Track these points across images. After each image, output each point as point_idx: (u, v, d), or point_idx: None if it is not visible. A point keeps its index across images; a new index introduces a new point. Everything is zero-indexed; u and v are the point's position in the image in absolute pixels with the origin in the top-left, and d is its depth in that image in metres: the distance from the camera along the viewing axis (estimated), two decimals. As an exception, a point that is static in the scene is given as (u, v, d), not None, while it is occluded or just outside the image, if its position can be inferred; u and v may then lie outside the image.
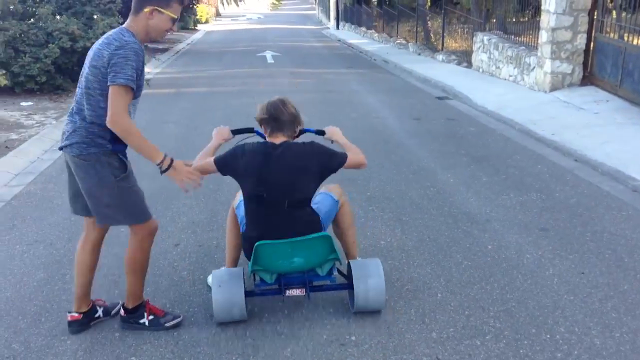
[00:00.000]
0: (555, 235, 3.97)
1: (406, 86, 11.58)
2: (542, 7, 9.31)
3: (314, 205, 2.88)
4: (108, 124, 2.47)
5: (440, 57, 15.15)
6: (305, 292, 2.85)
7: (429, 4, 22.03)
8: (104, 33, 10.55)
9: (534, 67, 9.73)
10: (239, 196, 3.02)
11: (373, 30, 26.55)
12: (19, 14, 10.01)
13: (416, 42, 18.60)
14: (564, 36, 9.06)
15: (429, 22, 19.03)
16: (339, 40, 26.73)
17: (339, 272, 3.04)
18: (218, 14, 64.90)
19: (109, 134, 2.54)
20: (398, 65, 14.73)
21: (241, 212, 2.92)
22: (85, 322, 2.87)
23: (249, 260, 2.75)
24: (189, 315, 3.02)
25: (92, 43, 8.40)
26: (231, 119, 8.12)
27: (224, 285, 2.79)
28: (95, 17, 10.84)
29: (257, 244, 2.63)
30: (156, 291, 3.27)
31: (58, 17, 10.47)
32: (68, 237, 4.08)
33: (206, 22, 49.84)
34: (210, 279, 3.01)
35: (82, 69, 2.58)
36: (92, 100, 2.53)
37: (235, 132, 3.12)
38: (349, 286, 2.93)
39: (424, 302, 3.10)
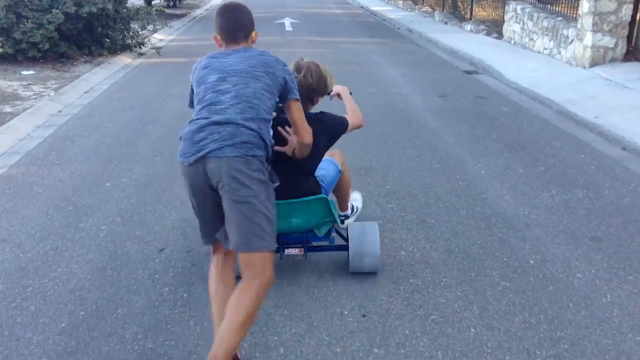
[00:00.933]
0: (609, 247, 3.34)
1: (431, 58, 10.80)
2: (585, -27, 8.44)
3: (320, 172, 2.94)
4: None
5: (468, 26, 14.25)
6: (304, 251, 2.91)
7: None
8: (109, -1, 10.04)
9: (572, 40, 8.89)
10: None
11: (397, -3, 25.43)
12: (21, -24, 9.40)
13: (442, 10, 17.63)
14: (608, 6, 8.20)
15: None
16: (362, 8, 25.73)
17: (338, 233, 3.09)
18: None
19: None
20: (423, 35, 13.88)
21: None
22: None
23: None
24: (163, 350, 2.47)
25: (98, 8, 8.29)
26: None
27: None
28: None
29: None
30: (128, 314, 2.72)
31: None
32: (40, 236, 3.55)
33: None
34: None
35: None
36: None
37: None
38: (346, 247, 2.99)
39: (454, 340, 2.51)
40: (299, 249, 2.90)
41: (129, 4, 11.11)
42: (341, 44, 12.91)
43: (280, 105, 2.50)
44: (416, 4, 21.34)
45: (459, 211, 3.84)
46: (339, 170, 3.16)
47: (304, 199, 2.70)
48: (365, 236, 2.93)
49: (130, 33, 11.16)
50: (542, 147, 5.26)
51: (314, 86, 2.79)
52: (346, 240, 3.03)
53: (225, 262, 2.38)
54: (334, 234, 3.02)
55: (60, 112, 6.76)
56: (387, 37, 14.34)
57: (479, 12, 15.04)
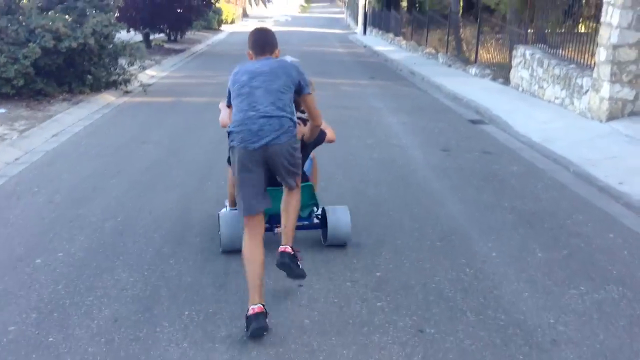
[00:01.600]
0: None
1: (434, 104, 10.13)
2: (602, 20, 7.81)
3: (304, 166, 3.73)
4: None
5: (473, 70, 13.66)
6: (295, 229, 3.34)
7: (461, 10, 20.55)
8: (94, 32, 9.43)
9: (587, 90, 8.22)
10: None
11: (401, 37, 25.10)
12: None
13: (447, 52, 17.11)
14: (628, 55, 7.55)
15: (461, 31, 17.55)
16: (365, 47, 25.38)
17: (317, 217, 3.92)
18: (245, 15, 64.07)
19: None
20: (426, 78, 13.28)
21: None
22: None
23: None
24: None
25: (79, 43, 8.15)
26: (222, 143, 6.79)
27: (230, 223, 3.62)
28: (87, 13, 9.61)
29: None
30: None
31: (48, 13, 9.26)
32: None
33: (232, 22, 48.85)
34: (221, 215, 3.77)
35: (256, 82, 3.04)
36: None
37: None
38: (323, 225, 3.84)
39: None
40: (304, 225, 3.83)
41: (117, 39, 10.51)
42: (340, 85, 12.29)
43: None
44: (420, 45, 20.89)
45: (466, 315, 3.05)
46: (311, 159, 4.06)
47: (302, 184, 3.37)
48: (339, 215, 3.79)
49: (116, 70, 10.55)
50: (563, 221, 4.49)
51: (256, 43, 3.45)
52: (322, 221, 3.87)
53: (256, 231, 3.02)
54: (314, 215, 3.91)
55: (17, 159, 6.03)
56: (388, 79, 13.75)
57: (484, 55, 14.52)
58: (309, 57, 19.36)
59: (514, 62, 11.11)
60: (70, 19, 9.54)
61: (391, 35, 27.92)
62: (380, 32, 31.39)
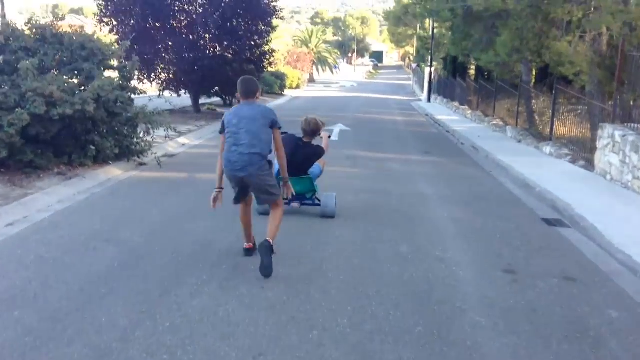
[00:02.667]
0: None
1: (498, 193, 8.22)
2: None
3: (312, 169, 6.34)
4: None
5: (547, 148, 11.65)
6: (300, 205, 6.30)
7: (534, 81, 18.66)
8: (99, 97, 8.25)
9: None
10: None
11: (466, 107, 23.39)
12: (-6, 68, 7.86)
13: (516, 125, 15.19)
14: None
15: (533, 102, 15.63)
16: (427, 115, 23.77)
17: (317, 199, 6.41)
18: (312, 80, 64.50)
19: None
20: (491, 155, 11.39)
21: (276, 165, 4.97)
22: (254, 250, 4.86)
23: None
24: None
25: (76, 110, 7.65)
26: (207, 247, 5.17)
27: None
28: (95, 75, 8.51)
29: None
30: None
31: (54, 73, 8.21)
32: None
33: (297, 87, 48.87)
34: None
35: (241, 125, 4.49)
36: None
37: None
38: (319, 204, 6.34)
39: None
40: (297, 204, 6.30)
41: (144, 106, 9.36)
42: (387, 162, 10.59)
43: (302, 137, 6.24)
44: (486, 116, 19.06)
45: None
46: (321, 170, 6.60)
47: (303, 176, 6.11)
48: (328, 198, 6.26)
49: (134, 139, 9.34)
50: None
51: (312, 128, 6.19)
52: (319, 201, 6.37)
53: (246, 206, 4.80)
54: (315, 197, 6.44)
55: None
56: (446, 155, 11.94)
57: (561, 129, 12.51)
58: (362, 125, 17.92)
59: (600, 143, 9.08)
60: (76, 82, 8.45)
61: (456, 103, 26.26)
62: (445, 100, 29.80)
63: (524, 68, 16.28)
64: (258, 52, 19.32)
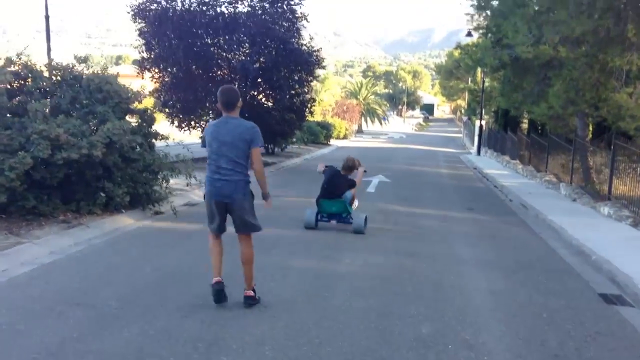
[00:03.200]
0: None
1: (548, 260, 7.15)
2: None
3: (345, 194, 8.05)
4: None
5: (605, 209, 10.47)
6: (337, 222, 8.02)
7: (590, 135, 17.44)
8: (111, 143, 7.74)
9: None
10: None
11: (517, 161, 22.21)
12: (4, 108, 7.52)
13: (571, 182, 14.00)
14: None
15: (589, 158, 14.42)
16: (474, 169, 22.69)
17: (350, 217, 8.03)
18: (360, 131, 64.36)
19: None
20: (541, 215, 10.30)
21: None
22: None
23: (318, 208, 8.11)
24: None
25: (82, 154, 7.35)
26: (187, 322, 4.39)
27: (310, 214, 8.07)
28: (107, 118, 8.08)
29: (321, 200, 8.01)
30: None
31: (63, 116, 7.81)
32: None
33: (344, 137, 48.70)
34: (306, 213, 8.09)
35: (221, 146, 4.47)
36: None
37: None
38: (351, 222, 7.96)
39: None
40: (335, 221, 8.06)
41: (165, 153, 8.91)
42: (423, 218, 9.67)
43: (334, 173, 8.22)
44: (539, 171, 17.89)
45: None
46: (352, 195, 8.13)
47: (338, 199, 7.94)
48: (359, 217, 7.95)
49: (153, 186, 8.83)
50: None
51: (348, 164, 8.13)
52: (352, 219, 8.01)
53: (216, 238, 4.71)
54: (350, 216, 8.02)
55: None
56: (491, 212, 10.91)
57: (621, 187, 11.27)
58: (403, 177, 17.06)
59: (668, 205, 7.94)
60: (91, 125, 8.04)
61: (507, 157, 25.08)
62: (496, 153, 28.64)
63: (579, 122, 15.16)
64: (298, 101, 18.94)
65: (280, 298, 4.93)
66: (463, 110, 69.98)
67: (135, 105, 9.05)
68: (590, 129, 18.60)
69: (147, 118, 8.96)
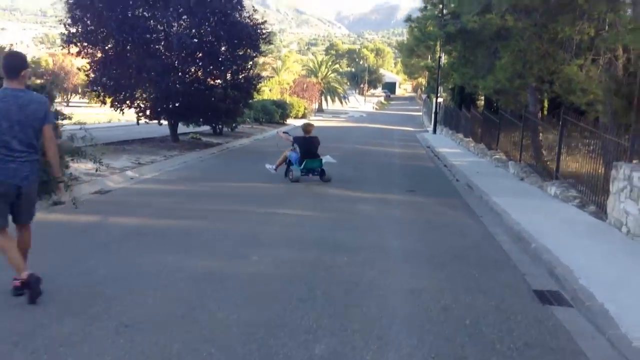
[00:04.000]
0: None
1: (484, 248, 6.47)
2: None
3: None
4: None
5: (552, 189, 9.91)
6: (313, 175, 10.78)
7: (546, 111, 16.96)
8: None
9: None
10: (288, 152, 11.01)
11: (470, 139, 21.78)
12: None
13: (519, 160, 13.46)
14: None
15: (540, 136, 13.89)
16: (428, 147, 22.14)
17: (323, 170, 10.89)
18: (320, 110, 63.45)
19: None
20: (485, 196, 9.67)
21: (294, 155, 10.79)
22: None
23: (301, 165, 10.65)
24: None
25: None
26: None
27: (295, 170, 10.68)
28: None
29: (305, 160, 10.62)
30: None
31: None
32: None
33: (303, 116, 47.80)
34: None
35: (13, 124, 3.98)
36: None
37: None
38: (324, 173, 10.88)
39: None
40: (314, 175, 10.80)
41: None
42: (359, 202, 8.92)
43: None
44: (490, 149, 17.39)
45: None
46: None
47: (317, 158, 10.79)
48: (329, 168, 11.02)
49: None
50: None
51: (309, 129, 11.33)
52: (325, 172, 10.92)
53: (5, 233, 4.10)
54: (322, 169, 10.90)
55: None
56: (433, 194, 10.24)
57: (573, 164, 10.66)
58: (353, 158, 16.31)
59: (613, 186, 7.35)
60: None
61: (460, 135, 24.67)
62: (451, 131, 28.24)
63: (530, 97, 14.61)
64: (242, 78, 17.90)
65: (152, 312, 4.07)
66: (423, 88, 69.77)
67: (33, 81, 7.97)
68: (546, 104, 18.15)
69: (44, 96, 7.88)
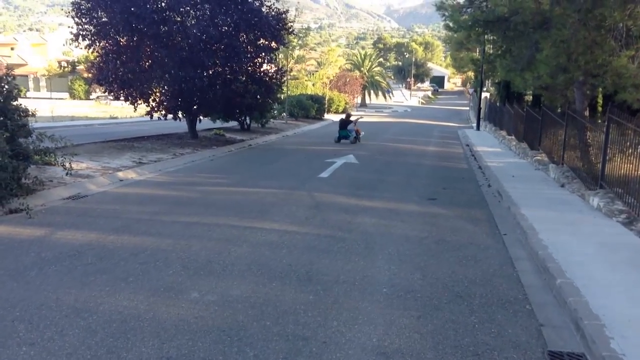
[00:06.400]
0: None
1: (496, 283, 5.16)
2: None
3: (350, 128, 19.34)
4: None
5: (595, 200, 8.44)
6: (343, 140, 19.02)
7: (600, 109, 15.23)
8: None
9: None
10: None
11: (513, 137, 20.11)
12: None
13: (561, 163, 11.90)
14: None
15: (588, 135, 12.25)
16: (467, 146, 20.59)
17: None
18: (363, 104, 62.11)
19: None
20: (514, 207, 8.28)
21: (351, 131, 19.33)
22: None
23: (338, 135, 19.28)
24: None
25: None
26: None
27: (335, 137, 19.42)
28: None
29: (339, 130, 19.37)
30: None
31: None
32: None
33: (344, 111, 46.73)
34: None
35: None
36: None
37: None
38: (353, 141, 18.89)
39: None
40: (346, 140, 18.97)
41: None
42: (363, 214, 7.70)
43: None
44: (532, 149, 15.77)
45: None
46: (355, 131, 19.19)
47: (344, 130, 19.19)
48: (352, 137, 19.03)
49: (20, 177, 6.98)
50: None
51: (348, 116, 19.86)
52: (353, 140, 18.81)
53: None
54: (352, 140, 18.86)
55: None
56: (456, 203, 8.91)
57: (627, 166, 8.94)
58: (379, 157, 15.06)
59: (669, 203, 5.89)
60: None
61: (504, 132, 22.99)
62: (495, 128, 26.48)
63: (577, 92, 12.97)
64: (261, 72, 16.88)
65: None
66: (472, 82, 67.30)
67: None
68: (600, 101, 16.37)
69: (4, 91, 7.03)
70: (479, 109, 30.17)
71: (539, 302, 4.68)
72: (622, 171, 8.69)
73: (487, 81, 42.40)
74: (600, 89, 14.06)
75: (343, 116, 19.93)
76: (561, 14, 9.14)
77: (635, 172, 7.87)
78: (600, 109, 16.25)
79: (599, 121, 11.32)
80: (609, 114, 8.86)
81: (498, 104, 27.72)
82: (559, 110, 13.67)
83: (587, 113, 13.67)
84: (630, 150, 8.63)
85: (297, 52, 45.06)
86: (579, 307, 4.26)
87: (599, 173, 9.11)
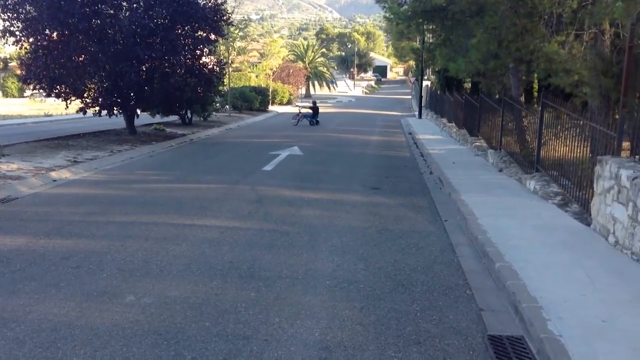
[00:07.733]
0: None
1: (438, 270, 5.21)
2: None
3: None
4: None
5: (531, 183, 8.67)
6: (313, 125, 24.12)
7: (536, 94, 15.66)
8: None
9: None
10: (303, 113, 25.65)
11: (453, 124, 20.50)
12: None
13: (499, 148, 12.19)
14: None
15: (524, 121, 12.59)
16: (409, 134, 20.87)
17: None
18: (308, 95, 62.00)
19: None
20: (455, 193, 8.41)
21: (308, 115, 25.04)
22: None
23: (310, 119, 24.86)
24: None
25: None
26: None
27: (305, 120, 25.30)
28: None
29: (314, 117, 24.98)
30: None
31: None
32: None
33: (288, 103, 46.49)
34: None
35: None
36: None
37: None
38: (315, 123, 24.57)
39: None
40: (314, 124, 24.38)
41: None
42: (308, 206, 7.64)
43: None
44: (471, 135, 16.13)
45: None
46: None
47: (316, 117, 24.82)
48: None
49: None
50: None
51: (315, 106, 25.76)
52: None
53: None
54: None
55: None
56: (398, 191, 8.98)
57: (552, 154, 9.27)
58: (322, 148, 15.03)
59: (598, 185, 6.09)
60: None
61: (445, 120, 23.42)
62: (436, 116, 26.96)
63: (512, 78, 13.32)
64: (199, 64, 16.53)
65: None
66: (413, 71, 68.29)
67: None
68: (536, 86, 16.84)
69: None
70: (421, 97, 30.65)
71: (479, 287, 4.74)
72: (557, 154, 8.95)
73: (427, 70, 43.06)
74: (536, 75, 14.48)
75: (311, 105, 25.65)
76: (494, 2, 9.31)
77: (569, 155, 8.12)
78: (536, 94, 16.75)
79: (535, 106, 11.64)
80: (542, 99, 9.11)
81: (439, 92, 28.20)
82: (496, 97, 13.99)
83: (523, 98, 14.08)
84: (564, 134, 8.91)
85: (238, 44, 44.55)
86: (517, 290, 4.33)
87: (535, 157, 9.37)
